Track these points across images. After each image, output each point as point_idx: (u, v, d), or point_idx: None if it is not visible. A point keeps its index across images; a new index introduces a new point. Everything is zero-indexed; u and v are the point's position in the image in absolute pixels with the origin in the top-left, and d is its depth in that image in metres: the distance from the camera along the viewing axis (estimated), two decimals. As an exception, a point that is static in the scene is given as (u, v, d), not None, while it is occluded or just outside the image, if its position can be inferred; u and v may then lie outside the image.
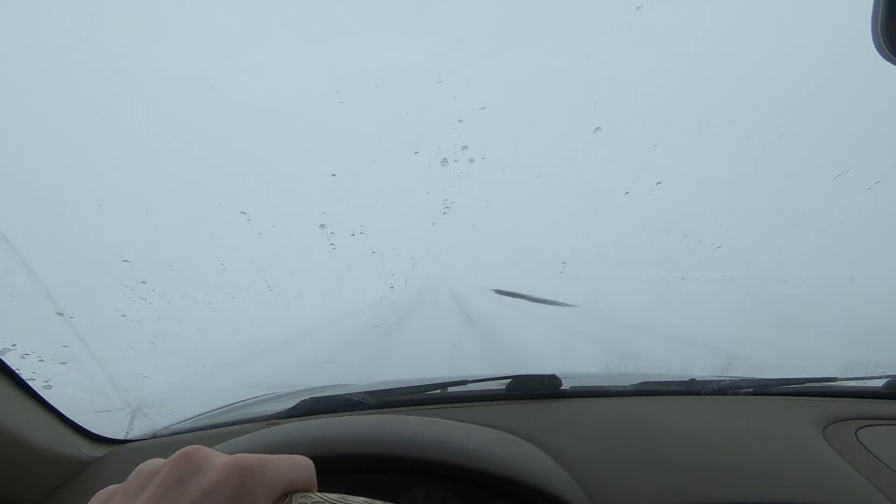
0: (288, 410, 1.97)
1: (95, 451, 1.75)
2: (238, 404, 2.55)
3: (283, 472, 0.54)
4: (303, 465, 0.57)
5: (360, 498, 0.54)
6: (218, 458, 0.53)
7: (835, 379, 2.13)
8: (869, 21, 0.90)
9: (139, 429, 2.05)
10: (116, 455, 1.78)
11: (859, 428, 1.68)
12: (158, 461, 0.54)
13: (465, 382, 2.18)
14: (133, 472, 0.54)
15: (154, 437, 1.94)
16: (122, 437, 1.89)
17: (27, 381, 1.55)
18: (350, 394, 2.02)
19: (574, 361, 7.89)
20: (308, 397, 2.03)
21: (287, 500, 0.53)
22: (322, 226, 10.25)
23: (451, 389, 2.17)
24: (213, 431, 1.92)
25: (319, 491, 0.56)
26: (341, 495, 0.54)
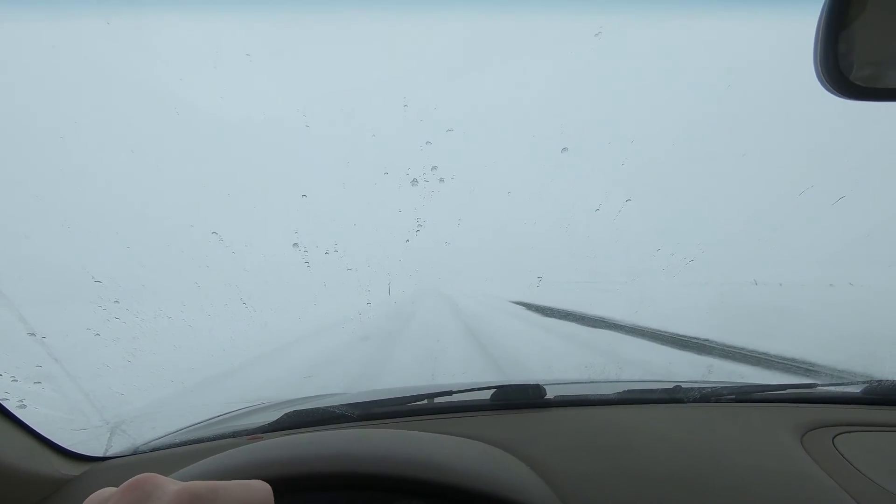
0: (271, 424, 1.99)
1: (73, 470, 1.78)
2: (220, 417, 2.63)
3: (236, 497, 0.54)
4: (258, 490, 0.57)
5: None
6: (169, 486, 0.53)
7: (814, 385, 2.20)
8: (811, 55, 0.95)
9: (118, 445, 2.07)
10: (95, 472, 1.81)
11: (836, 435, 1.73)
12: (109, 490, 0.55)
13: (449, 393, 2.21)
14: (84, 502, 0.54)
15: (135, 453, 1.97)
16: (100, 455, 1.93)
17: (1, 402, 1.56)
18: (333, 406, 2.04)
19: (556, 369, 7.98)
20: (291, 410, 2.05)
21: None
22: (295, 244, 10.19)
23: (435, 400, 2.20)
24: (194, 447, 1.93)
25: None
26: None
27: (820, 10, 0.89)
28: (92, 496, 0.55)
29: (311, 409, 2.06)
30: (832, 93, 0.94)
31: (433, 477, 1.30)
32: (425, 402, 2.20)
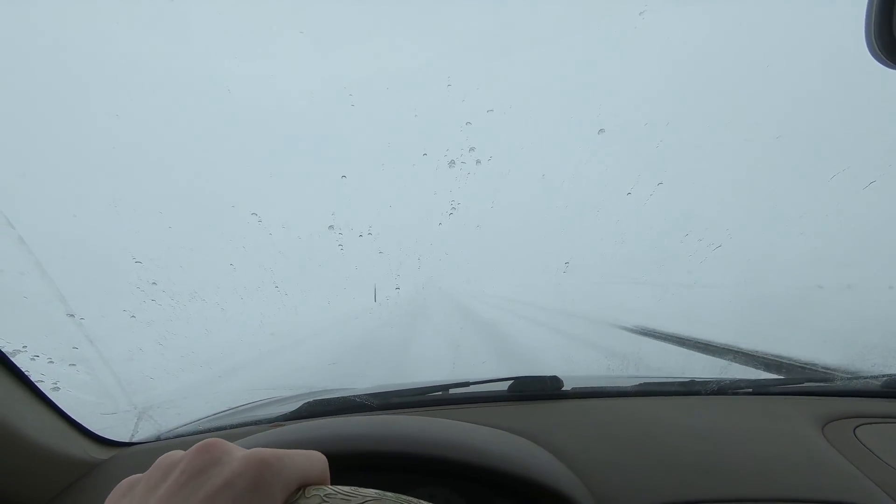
0: (292, 413, 1.95)
1: (101, 454, 1.75)
2: (242, 407, 2.53)
3: (299, 465, 0.55)
4: (317, 460, 0.59)
5: (372, 490, 0.55)
6: (237, 451, 0.54)
7: (833, 378, 2.12)
8: (863, 25, 0.88)
9: (144, 431, 2.02)
10: (121, 457, 1.78)
11: (858, 426, 1.68)
12: (179, 453, 0.55)
13: (467, 384, 2.15)
14: (154, 464, 0.55)
15: (158, 439, 1.93)
16: (126, 440, 1.89)
17: (36, 384, 1.55)
18: (354, 396, 2.00)
19: (576, 361, 7.80)
20: (312, 400, 2.00)
21: (301, 492, 0.54)
22: (331, 227, 10.17)
23: (453, 391, 2.14)
24: (216, 434, 1.86)
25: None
26: (353, 487, 0.55)
27: None
28: (162, 458, 0.56)
29: (332, 398, 2.04)
30: (887, 65, 0.89)
31: (465, 457, 1.29)
32: (443, 392, 2.16)
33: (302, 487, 0.55)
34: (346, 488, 0.55)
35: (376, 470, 1.26)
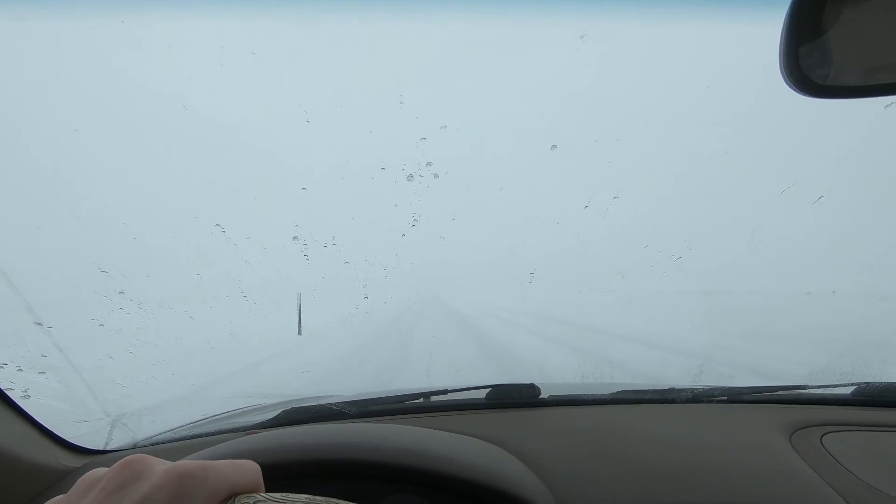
0: (269, 421, 1.91)
1: (73, 462, 1.69)
2: (220, 415, 2.47)
3: (226, 475, 0.53)
4: (247, 468, 0.56)
5: (302, 496, 0.54)
6: (159, 465, 0.52)
7: (805, 386, 2.12)
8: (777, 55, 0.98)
9: (119, 439, 1.97)
10: (94, 465, 1.53)
11: (825, 434, 1.68)
12: (102, 470, 0.54)
13: (445, 392, 2.12)
14: (77, 481, 0.54)
15: (134, 447, 1.87)
16: (100, 448, 1.83)
17: (5, 391, 1.51)
18: (330, 404, 1.96)
19: (551, 367, 7.87)
20: (289, 408, 1.96)
21: (231, 501, 0.53)
22: (295, 238, 10.04)
23: (431, 398, 2.11)
24: (193, 441, 1.85)
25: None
26: (284, 494, 0.54)
27: (784, 15, 0.92)
28: (84, 476, 0.54)
29: (309, 406, 1.99)
30: (795, 91, 0.98)
31: (430, 466, 1.27)
32: (421, 400, 2.11)
33: (231, 497, 0.53)
34: (277, 495, 0.54)
35: (345, 478, 1.24)
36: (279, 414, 1.93)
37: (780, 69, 0.96)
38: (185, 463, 0.53)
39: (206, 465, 0.53)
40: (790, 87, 0.98)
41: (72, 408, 3.24)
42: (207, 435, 1.90)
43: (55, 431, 1.68)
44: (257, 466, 0.58)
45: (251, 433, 1.74)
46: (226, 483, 0.53)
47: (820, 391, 2.10)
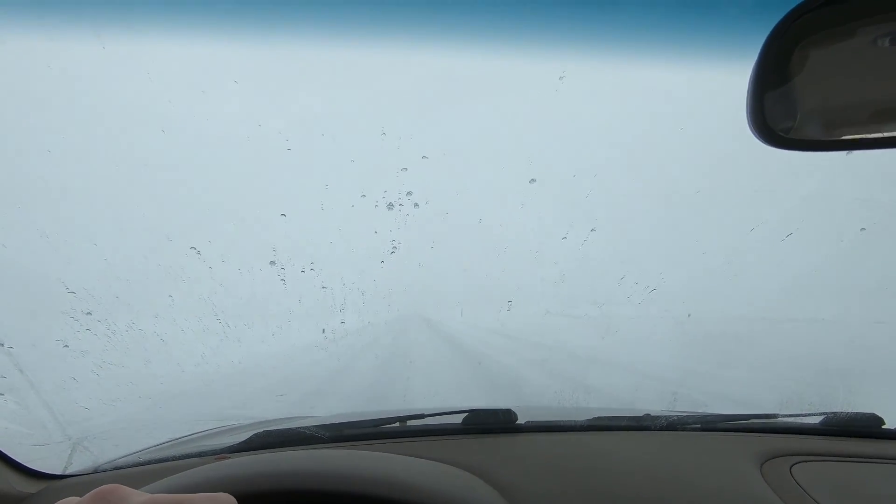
0: (239, 444, 1.87)
1: (29, 487, 1.62)
2: (189, 437, 2.42)
3: None
4: (223, 502, 0.54)
5: None
6: (134, 498, 0.51)
7: (776, 416, 2.17)
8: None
9: (80, 463, 1.92)
10: (53, 490, 1.66)
11: (794, 464, 1.71)
12: (74, 500, 0.51)
13: (421, 416, 2.12)
14: None
15: (95, 471, 1.81)
16: (59, 472, 1.76)
17: None
18: (304, 427, 1.92)
19: (527, 393, 7.80)
20: (261, 430, 1.92)
21: None
22: (272, 262, 9.94)
23: (408, 423, 2.11)
24: (158, 466, 1.79)
25: None
26: None
27: (751, 67, 0.96)
28: None
29: (281, 430, 1.95)
30: (760, 140, 1.02)
31: (398, 496, 1.23)
32: (397, 424, 2.09)
33: None
34: None
35: None
36: (251, 437, 1.88)
37: (747, 120, 1.00)
38: (162, 497, 0.51)
39: (182, 499, 0.51)
40: (755, 136, 1.01)
41: (30, 431, 3.15)
42: (173, 459, 1.84)
43: (11, 455, 1.61)
44: (234, 500, 0.56)
45: (220, 458, 1.70)
46: None
47: (790, 420, 2.16)
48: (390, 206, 11.11)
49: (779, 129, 0.99)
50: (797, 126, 0.99)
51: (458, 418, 2.04)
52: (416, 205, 11.22)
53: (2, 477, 1.56)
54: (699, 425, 2.06)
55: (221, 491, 0.58)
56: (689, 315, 13.72)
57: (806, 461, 1.73)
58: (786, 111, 0.98)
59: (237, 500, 0.57)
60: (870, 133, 0.99)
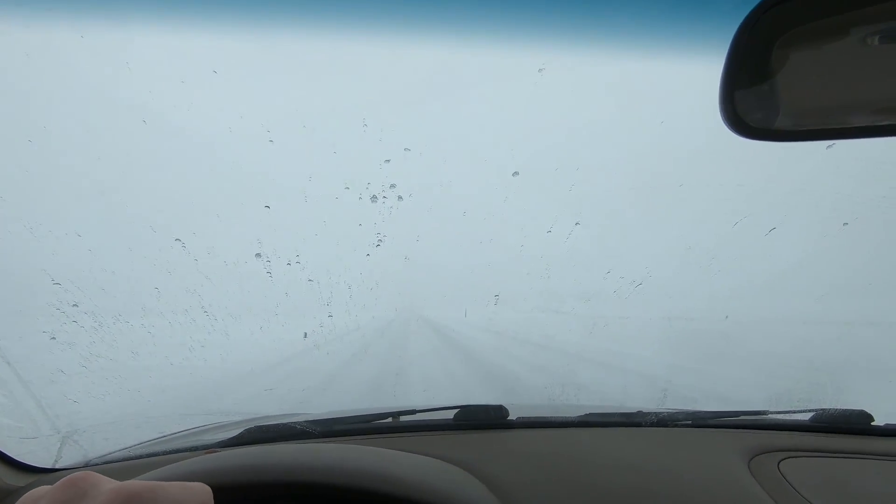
0: (231, 440, 1.89)
1: (18, 481, 1.65)
2: (179, 433, 2.45)
3: (176, 498, 0.51)
4: (198, 491, 0.55)
5: None
6: (106, 485, 0.51)
7: (766, 412, 2.19)
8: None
9: (70, 457, 1.95)
10: (41, 484, 1.57)
11: (782, 459, 1.75)
12: (45, 488, 0.52)
13: (413, 412, 2.15)
14: (18, 501, 0.52)
15: (86, 465, 1.83)
16: (49, 466, 1.80)
17: None
18: (295, 423, 1.95)
19: (518, 388, 7.86)
20: (252, 426, 1.95)
21: None
22: (258, 254, 9.90)
23: (399, 419, 2.13)
24: (149, 460, 1.82)
25: None
26: None
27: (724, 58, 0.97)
28: (26, 495, 0.52)
29: (272, 425, 1.97)
30: (733, 131, 1.04)
31: (384, 489, 1.24)
32: (389, 420, 2.12)
33: None
34: None
35: (302, 501, 1.21)
36: (241, 433, 1.92)
37: (720, 111, 1.02)
38: (134, 483, 0.51)
39: (156, 486, 0.51)
40: (728, 128, 1.04)
41: (18, 424, 3.16)
42: (163, 454, 1.86)
43: (0, 448, 1.64)
44: (208, 489, 0.56)
45: (209, 452, 1.69)
46: None
47: (779, 417, 2.19)
48: (374, 198, 11.09)
49: (750, 119, 1.02)
50: (769, 117, 1.02)
51: (450, 414, 2.07)
52: (399, 197, 11.21)
53: None
54: (689, 421, 2.09)
55: (207, 482, 0.58)
56: (675, 311, 13.87)
57: (794, 457, 1.77)
58: (757, 102, 1.00)
59: (216, 492, 0.58)
60: (842, 124, 1.02)
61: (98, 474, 0.53)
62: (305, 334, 11.63)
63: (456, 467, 1.57)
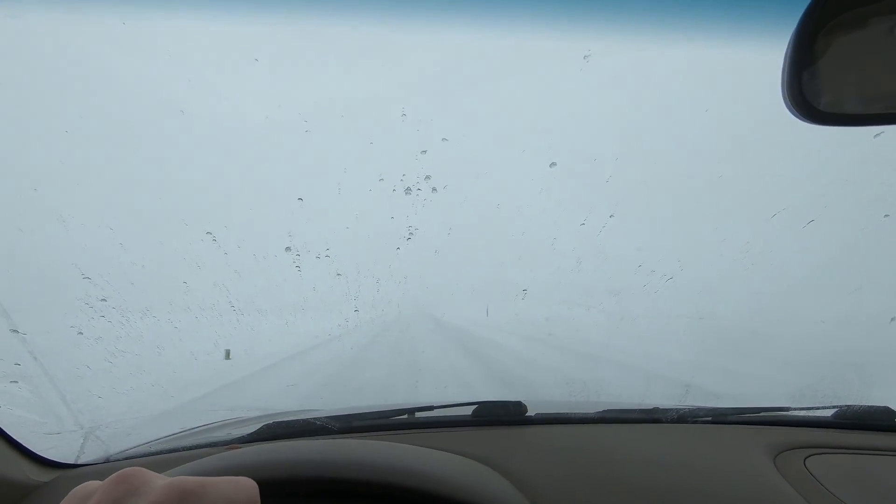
0: (250, 435, 1.87)
1: (42, 476, 1.64)
2: (199, 428, 2.43)
3: (225, 493, 0.52)
4: (246, 487, 0.55)
5: None
6: (157, 481, 0.51)
7: (788, 409, 2.14)
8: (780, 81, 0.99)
9: (91, 453, 1.92)
10: (65, 480, 1.68)
11: (808, 456, 1.71)
12: (95, 483, 0.52)
13: (431, 408, 2.11)
14: (68, 495, 0.51)
15: (107, 461, 1.83)
16: (72, 462, 1.78)
17: None
18: (314, 419, 1.92)
19: (538, 383, 7.80)
20: (271, 422, 1.92)
21: None
22: (288, 248, 9.98)
23: (417, 415, 2.10)
24: (170, 456, 1.80)
25: None
26: None
27: (787, 43, 0.94)
28: (76, 489, 0.52)
29: (291, 420, 1.95)
30: (798, 118, 1.00)
31: (413, 484, 1.23)
32: (406, 416, 2.09)
33: None
34: None
35: (331, 496, 1.20)
36: (261, 428, 1.89)
37: (783, 94, 0.98)
38: (185, 479, 0.51)
39: (206, 482, 0.51)
40: (792, 112, 1.00)
41: (43, 419, 3.15)
42: (184, 449, 1.85)
43: (24, 444, 1.63)
44: (255, 484, 0.56)
45: (231, 448, 1.61)
46: (225, 501, 0.51)
47: (803, 413, 2.14)
48: (408, 190, 11.09)
49: (817, 103, 0.98)
50: (835, 99, 0.98)
51: (468, 410, 2.05)
52: (433, 189, 11.17)
53: (15, 465, 1.58)
54: (710, 418, 2.06)
55: (241, 475, 0.58)
56: (704, 306, 13.60)
57: (820, 454, 1.74)
58: (823, 84, 0.97)
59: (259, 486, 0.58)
60: None
61: (148, 471, 0.53)
62: (338, 319, 11.71)
63: (479, 463, 1.57)
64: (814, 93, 0.97)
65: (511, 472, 1.53)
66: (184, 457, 1.75)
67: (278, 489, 1.16)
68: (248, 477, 0.58)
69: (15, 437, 1.59)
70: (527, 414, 2.01)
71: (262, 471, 1.17)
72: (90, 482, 0.52)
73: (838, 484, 1.54)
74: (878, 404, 2.03)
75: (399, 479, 1.23)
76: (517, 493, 1.42)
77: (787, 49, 0.94)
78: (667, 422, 2.03)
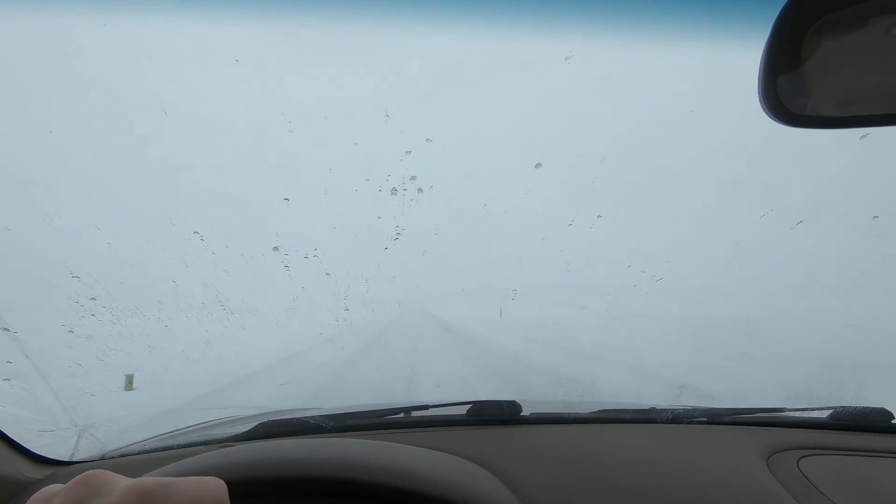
0: (244, 433, 1.87)
1: (36, 473, 1.64)
2: (193, 427, 2.42)
3: (189, 494, 0.52)
4: (212, 486, 0.55)
5: None
6: (120, 482, 0.51)
7: (783, 409, 2.15)
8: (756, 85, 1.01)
9: (86, 450, 1.93)
10: (59, 477, 1.66)
11: (801, 457, 1.71)
12: (57, 486, 0.52)
13: (426, 407, 2.12)
14: (30, 498, 0.51)
15: (102, 458, 1.83)
16: (66, 459, 1.79)
17: None
18: (308, 417, 1.94)
19: (532, 384, 7.85)
20: (266, 420, 1.93)
21: None
22: (276, 248, 9.96)
23: (412, 414, 2.11)
24: (164, 453, 1.80)
25: None
26: None
27: (763, 45, 0.95)
28: (38, 493, 0.52)
29: (285, 419, 1.96)
30: (774, 119, 1.01)
31: (400, 483, 1.22)
32: (401, 415, 2.09)
33: None
34: None
35: (317, 495, 1.20)
36: (255, 427, 1.90)
37: (759, 98, 0.99)
38: (147, 480, 0.52)
39: (170, 482, 0.52)
40: (768, 115, 1.01)
41: (37, 416, 3.19)
42: (179, 447, 1.86)
43: (18, 441, 1.63)
44: (223, 484, 0.57)
45: (224, 446, 1.58)
46: (189, 502, 0.51)
47: (797, 414, 2.15)
48: (394, 190, 11.06)
49: (792, 106, 0.99)
50: (812, 102, 0.99)
51: (462, 410, 2.06)
52: (419, 189, 11.16)
53: (10, 462, 1.60)
54: (705, 418, 2.06)
55: (220, 476, 0.59)
56: (694, 307, 13.69)
57: (813, 455, 1.75)
58: (799, 87, 0.98)
59: (230, 486, 0.58)
60: (889, 109, 0.98)
61: (110, 472, 0.53)
62: (327, 318, 11.68)
63: (470, 462, 1.57)
64: (788, 95, 0.98)
65: (504, 471, 1.54)
66: (178, 455, 1.76)
67: (260, 488, 1.16)
68: (226, 476, 0.60)
69: (9, 434, 1.61)
70: (521, 413, 2.02)
71: (239, 470, 1.18)
72: (53, 485, 0.53)
73: (830, 485, 1.55)
74: (873, 405, 2.04)
75: (389, 478, 1.24)
76: (509, 493, 1.43)
77: (763, 50, 0.96)
78: (662, 422, 2.04)
